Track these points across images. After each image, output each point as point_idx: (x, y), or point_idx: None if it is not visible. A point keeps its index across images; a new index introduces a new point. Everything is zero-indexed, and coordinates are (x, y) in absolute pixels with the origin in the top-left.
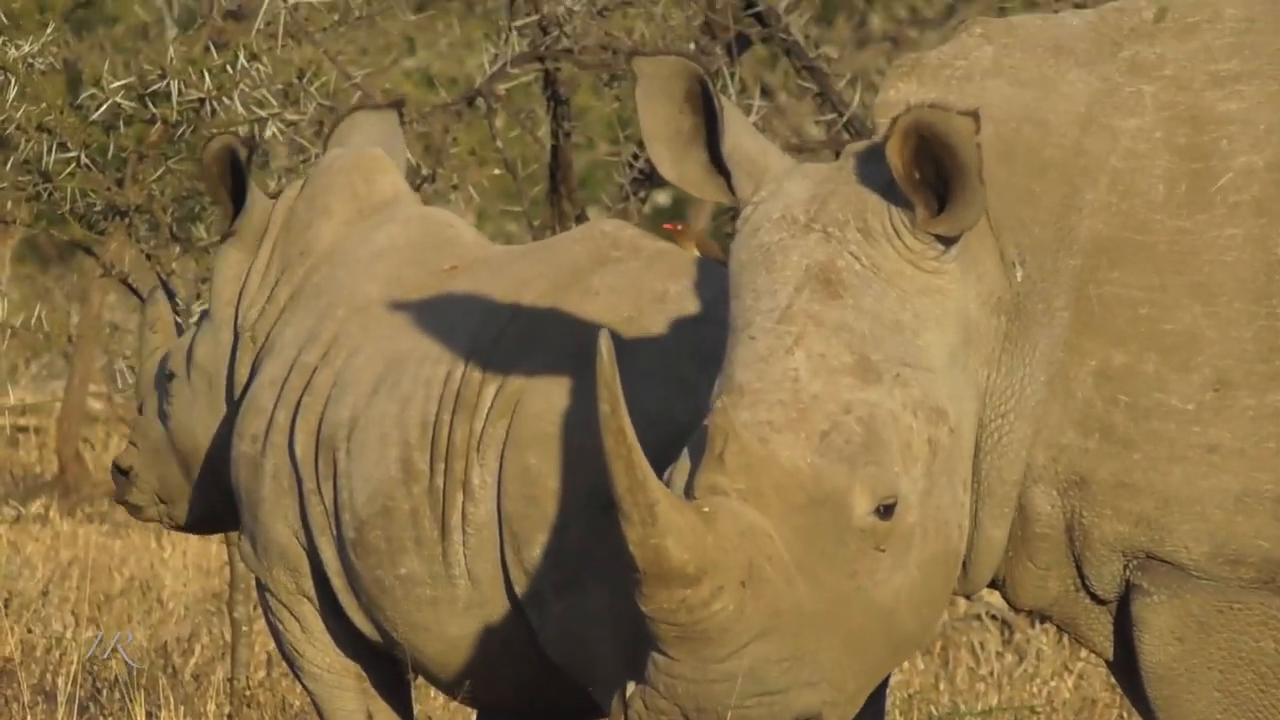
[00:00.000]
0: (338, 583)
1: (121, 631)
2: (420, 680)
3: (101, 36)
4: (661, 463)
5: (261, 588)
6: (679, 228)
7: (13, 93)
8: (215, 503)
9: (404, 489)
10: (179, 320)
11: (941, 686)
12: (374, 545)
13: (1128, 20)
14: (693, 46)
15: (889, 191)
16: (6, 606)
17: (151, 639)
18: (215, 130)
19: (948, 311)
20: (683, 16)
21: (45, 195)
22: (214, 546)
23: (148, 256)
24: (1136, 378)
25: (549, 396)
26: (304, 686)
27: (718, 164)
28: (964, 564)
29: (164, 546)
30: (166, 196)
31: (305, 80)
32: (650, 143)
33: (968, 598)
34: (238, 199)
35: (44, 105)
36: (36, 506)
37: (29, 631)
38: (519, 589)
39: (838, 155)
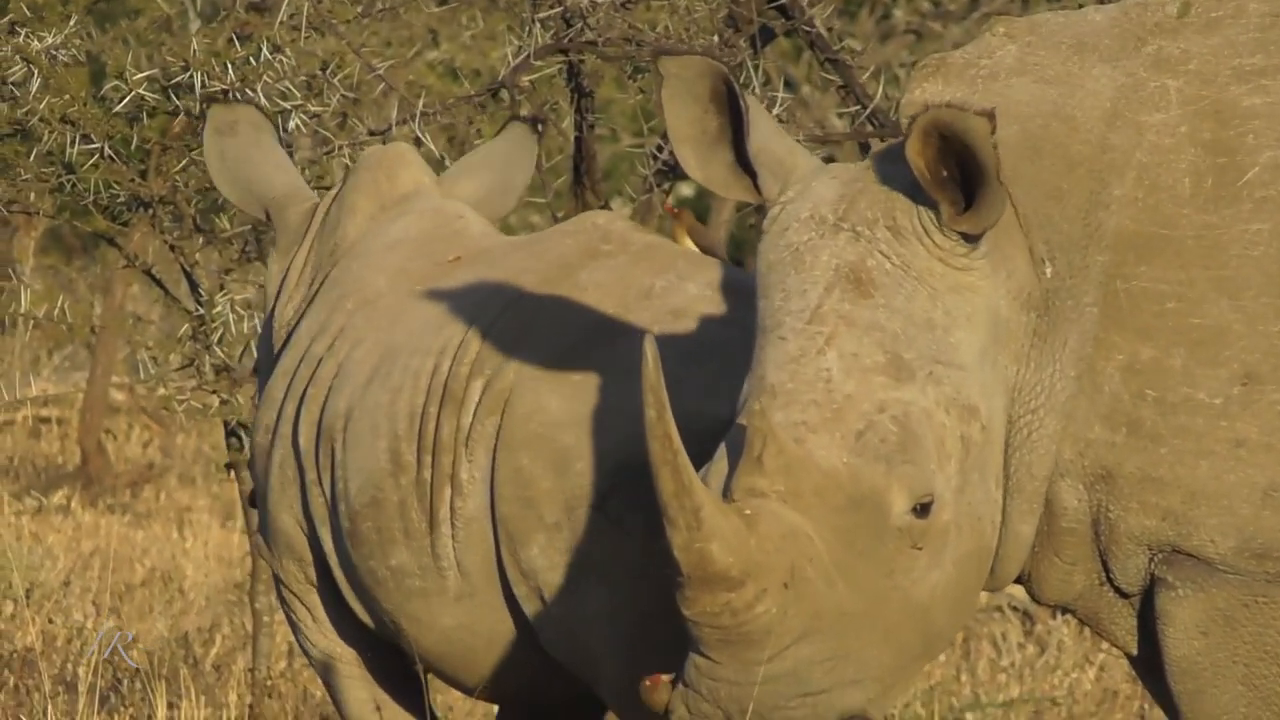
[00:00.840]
0: (338, 574)
1: (122, 631)
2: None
3: (125, 29)
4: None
5: (277, 579)
6: (676, 212)
7: (36, 85)
8: None
9: (392, 480)
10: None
11: (963, 678)
12: (366, 536)
13: (1151, 16)
14: (716, 39)
15: (916, 190)
16: (28, 597)
17: (173, 629)
18: None
19: (978, 309)
20: (706, 9)
21: (68, 187)
22: (235, 537)
23: (171, 248)
24: (1164, 372)
25: (538, 396)
26: (319, 676)
27: (743, 163)
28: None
29: (185, 537)
30: (190, 188)
31: (329, 72)
32: (676, 143)
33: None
34: None
35: (67, 97)
36: (58, 497)
37: (50, 622)
38: (516, 590)
39: (861, 147)
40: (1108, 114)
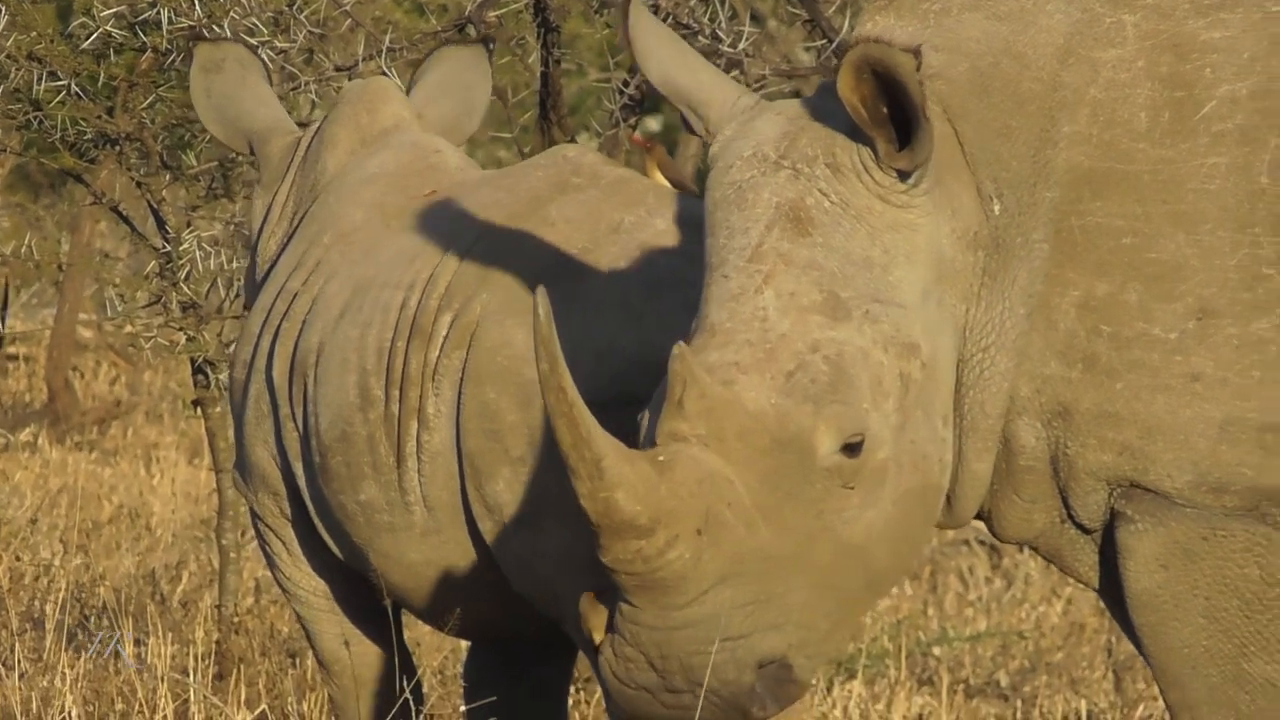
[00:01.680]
0: (310, 508)
1: (121, 633)
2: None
3: None
4: (610, 394)
5: (253, 513)
6: (648, 146)
7: (3, 22)
8: None
9: (361, 415)
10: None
11: (930, 612)
12: (336, 471)
13: None
14: None
15: (857, 127)
16: None
17: (140, 566)
18: None
19: (917, 246)
20: None
21: (36, 124)
22: (203, 474)
23: (138, 185)
24: (1119, 307)
25: (504, 329)
26: (292, 609)
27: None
28: (948, 498)
29: (153, 474)
30: (157, 125)
31: (295, 8)
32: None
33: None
34: None
35: (34, 34)
36: (25, 434)
37: (17, 559)
38: (481, 525)
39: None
40: (1060, 50)
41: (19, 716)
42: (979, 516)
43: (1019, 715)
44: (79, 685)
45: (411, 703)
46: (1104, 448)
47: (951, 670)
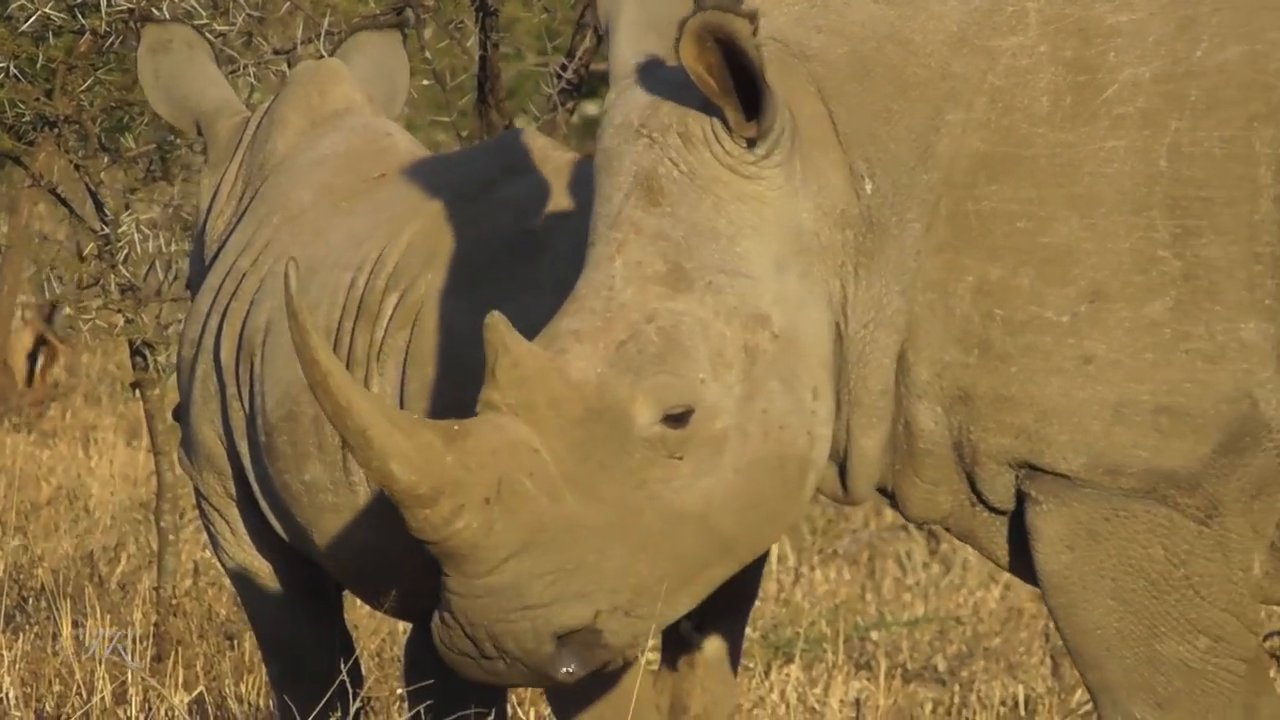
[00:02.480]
0: (255, 488)
1: (120, 632)
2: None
3: None
4: None
5: (197, 493)
6: None
7: None
8: None
9: (308, 395)
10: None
11: (868, 597)
12: (281, 450)
13: None
14: None
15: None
16: None
17: (78, 548)
18: None
19: (766, 219)
20: None
21: None
22: (141, 456)
23: (76, 167)
24: (1012, 291)
25: (448, 310)
26: (233, 590)
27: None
28: (842, 474)
29: (91, 456)
30: (95, 107)
31: None
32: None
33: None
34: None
35: None
36: None
37: None
38: None
39: None
40: (953, 39)
41: None
42: (886, 495)
43: (956, 700)
44: (16, 667)
45: (349, 685)
46: (1002, 431)
47: (889, 655)
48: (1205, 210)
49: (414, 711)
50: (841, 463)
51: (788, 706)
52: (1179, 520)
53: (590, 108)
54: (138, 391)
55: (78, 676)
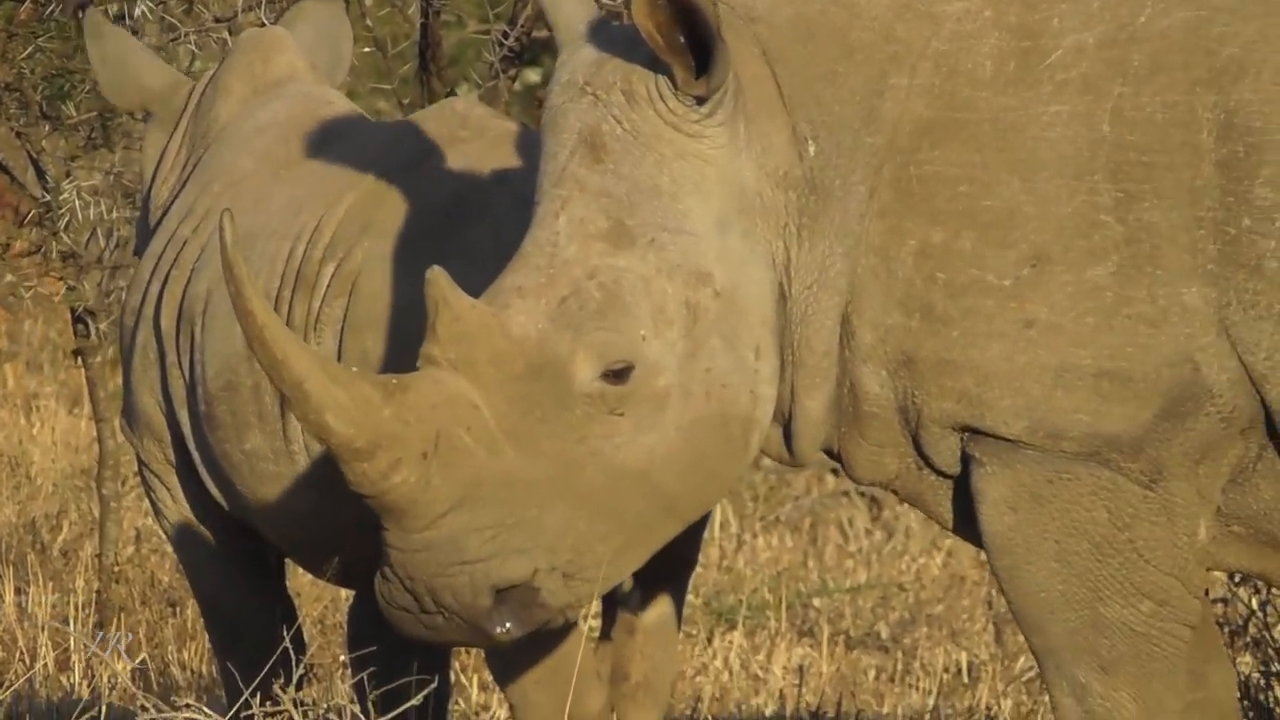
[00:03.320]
0: (195, 456)
1: (120, 633)
2: None
3: None
4: None
5: (138, 459)
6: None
7: None
8: None
9: (247, 364)
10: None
11: (810, 564)
12: (221, 420)
13: None
14: None
15: (656, 55)
16: None
17: (20, 515)
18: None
19: (708, 177)
20: None
21: None
22: (83, 424)
23: (18, 135)
24: (953, 255)
25: (385, 278)
26: (175, 557)
27: None
28: (787, 436)
29: (33, 423)
30: (36, 75)
31: None
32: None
33: (835, 471)
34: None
35: None
36: None
37: None
38: None
39: None
40: (897, 5)
41: None
42: (833, 457)
43: (899, 666)
44: None
45: (292, 651)
46: (944, 395)
47: (832, 622)
48: (1147, 175)
49: (357, 678)
50: (786, 424)
51: (731, 673)
52: (1123, 484)
53: (532, 75)
54: (79, 359)
55: (21, 644)
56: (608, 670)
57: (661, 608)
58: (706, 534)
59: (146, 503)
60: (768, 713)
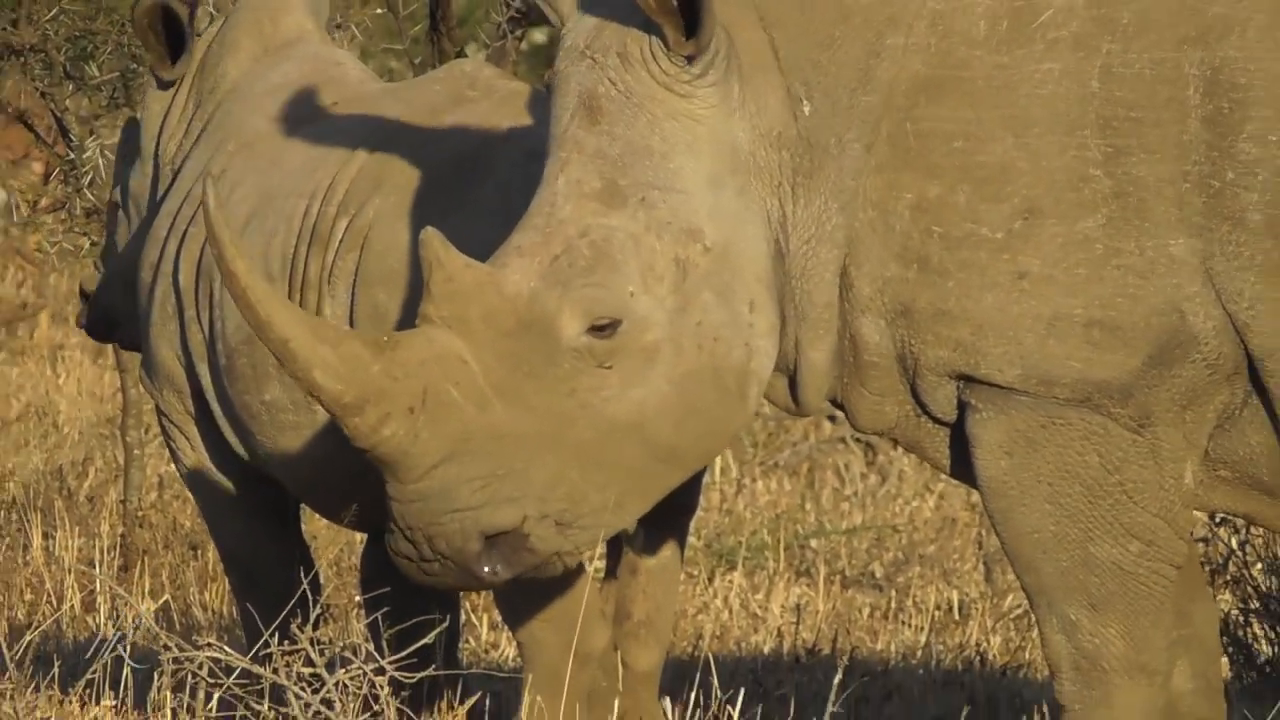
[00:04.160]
0: (215, 407)
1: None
2: None
3: None
4: None
5: (158, 410)
6: None
7: None
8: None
9: None
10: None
11: (807, 507)
12: (241, 372)
13: None
14: None
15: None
16: None
17: (48, 463)
18: None
19: (699, 137)
20: None
21: None
22: (107, 374)
23: (43, 95)
24: (949, 208)
25: (395, 233)
26: (195, 504)
27: None
28: (792, 386)
29: (59, 374)
30: (60, 36)
31: None
32: None
33: (829, 418)
34: (174, 47)
35: None
36: None
37: None
38: None
39: None
40: None
41: None
42: (838, 407)
43: (893, 605)
44: None
45: (309, 593)
46: (940, 344)
47: (828, 562)
48: (1135, 130)
49: (371, 618)
50: (791, 375)
51: (730, 612)
52: (1113, 428)
53: (538, 35)
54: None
55: (48, 586)
56: (612, 609)
57: (663, 549)
58: (707, 479)
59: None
60: (766, 650)
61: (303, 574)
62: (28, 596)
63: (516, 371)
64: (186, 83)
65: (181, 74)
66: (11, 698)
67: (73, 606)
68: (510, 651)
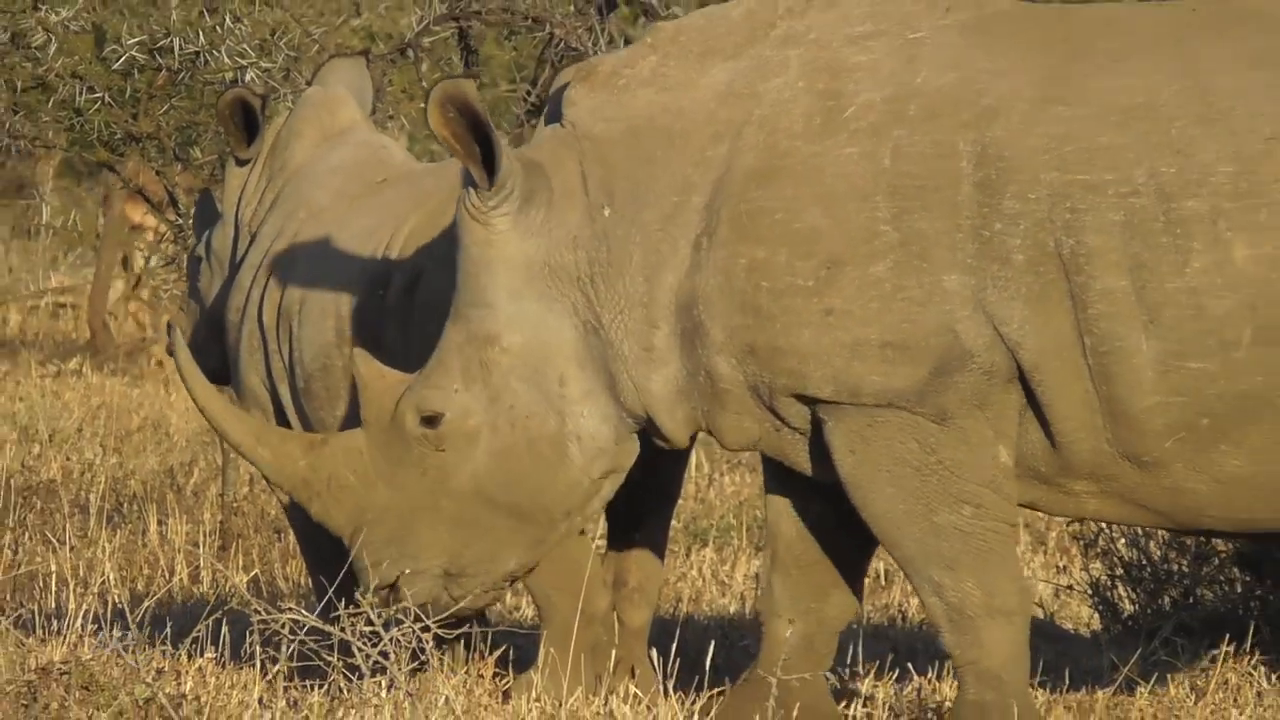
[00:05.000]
0: (294, 421)
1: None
2: None
3: (121, 3)
4: None
5: None
6: None
7: (53, 49)
8: (222, 358)
9: (338, 350)
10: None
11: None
12: (317, 393)
13: (784, 2)
14: (571, 8)
15: None
16: (51, 440)
17: (161, 464)
18: (209, 76)
19: (493, 258)
20: None
21: (78, 126)
22: None
23: (157, 173)
24: (773, 266)
25: (440, 278)
26: (278, 498)
27: None
28: (651, 420)
29: (170, 393)
30: (171, 126)
31: (276, 37)
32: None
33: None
34: (249, 132)
35: (77, 57)
36: (73, 364)
37: (68, 460)
38: None
39: None
40: (720, 94)
41: (69, 579)
42: (711, 433)
43: None
44: (115, 556)
45: None
46: (777, 373)
47: None
48: (919, 194)
49: None
50: (646, 413)
51: (704, 580)
52: (921, 421)
53: None
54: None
55: (162, 562)
56: (611, 577)
57: (652, 529)
58: (686, 474)
59: None
60: (732, 610)
61: None
62: (145, 571)
63: (389, 457)
64: (260, 161)
65: (256, 154)
66: (134, 651)
67: (181, 579)
68: (529, 612)
